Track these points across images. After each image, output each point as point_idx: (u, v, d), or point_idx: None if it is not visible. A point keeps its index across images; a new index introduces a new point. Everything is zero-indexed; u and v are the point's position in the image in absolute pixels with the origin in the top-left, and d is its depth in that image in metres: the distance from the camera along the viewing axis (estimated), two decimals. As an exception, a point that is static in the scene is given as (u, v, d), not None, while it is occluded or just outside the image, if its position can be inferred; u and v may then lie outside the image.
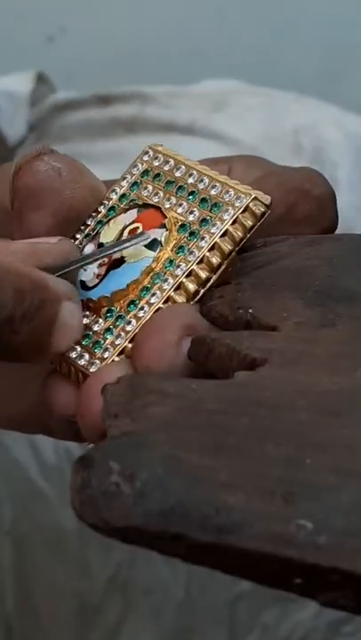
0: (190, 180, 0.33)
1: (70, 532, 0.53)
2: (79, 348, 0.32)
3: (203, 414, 0.26)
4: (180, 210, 0.32)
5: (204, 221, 0.32)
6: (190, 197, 0.32)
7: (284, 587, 0.23)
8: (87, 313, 0.32)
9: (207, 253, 0.31)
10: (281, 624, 0.53)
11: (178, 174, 0.33)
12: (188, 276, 0.31)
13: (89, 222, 0.34)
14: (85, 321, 0.32)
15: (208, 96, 0.68)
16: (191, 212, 0.32)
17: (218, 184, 0.32)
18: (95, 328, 0.32)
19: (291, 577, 0.23)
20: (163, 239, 0.32)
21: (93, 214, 0.34)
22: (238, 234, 0.31)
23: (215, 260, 0.31)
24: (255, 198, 0.31)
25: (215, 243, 0.31)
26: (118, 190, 0.34)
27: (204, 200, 0.32)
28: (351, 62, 1.20)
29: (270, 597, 0.53)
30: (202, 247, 0.31)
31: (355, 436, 0.25)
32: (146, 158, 0.34)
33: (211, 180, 0.32)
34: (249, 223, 0.31)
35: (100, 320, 0.32)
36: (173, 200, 0.33)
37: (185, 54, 1.15)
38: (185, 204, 0.32)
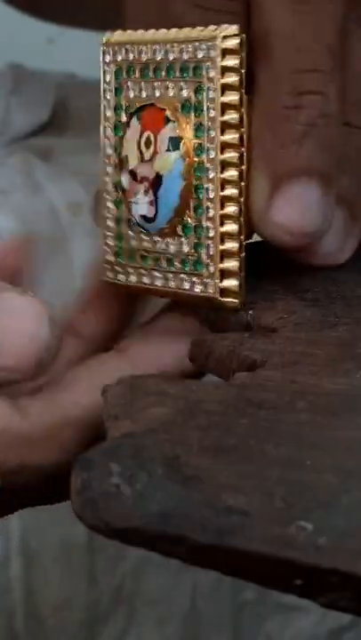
0: (159, 56, 0.31)
1: (79, 547, 0.53)
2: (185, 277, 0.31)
3: (203, 415, 0.26)
4: (170, 93, 0.31)
5: (198, 90, 0.30)
6: (170, 74, 0.31)
7: (284, 588, 0.23)
8: (168, 240, 0.31)
9: (222, 118, 0.30)
10: (284, 632, 0.53)
11: (145, 57, 0.31)
12: (222, 150, 0.30)
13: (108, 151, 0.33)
14: (173, 249, 0.31)
15: None
16: (181, 90, 0.31)
17: (184, 45, 0.30)
18: (185, 249, 0.31)
19: (291, 578, 0.23)
20: (177, 132, 0.31)
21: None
22: (234, 78, 0.30)
23: (232, 117, 0.30)
24: (224, 37, 0.30)
25: (221, 104, 0.30)
26: (107, 106, 0.33)
27: (183, 69, 0.31)
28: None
29: (273, 606, 0.53)
30: (214, 117, 0.30)
31: (355, 437, 0.25)
32: (108, 59, 0.32)
33: (176, 46, 0.31)
34: (236, 62, 0.30)
35: (183, 239, 0.31)
36: (158, 86, 0.31)
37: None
38: (170, 84, 0.31)
